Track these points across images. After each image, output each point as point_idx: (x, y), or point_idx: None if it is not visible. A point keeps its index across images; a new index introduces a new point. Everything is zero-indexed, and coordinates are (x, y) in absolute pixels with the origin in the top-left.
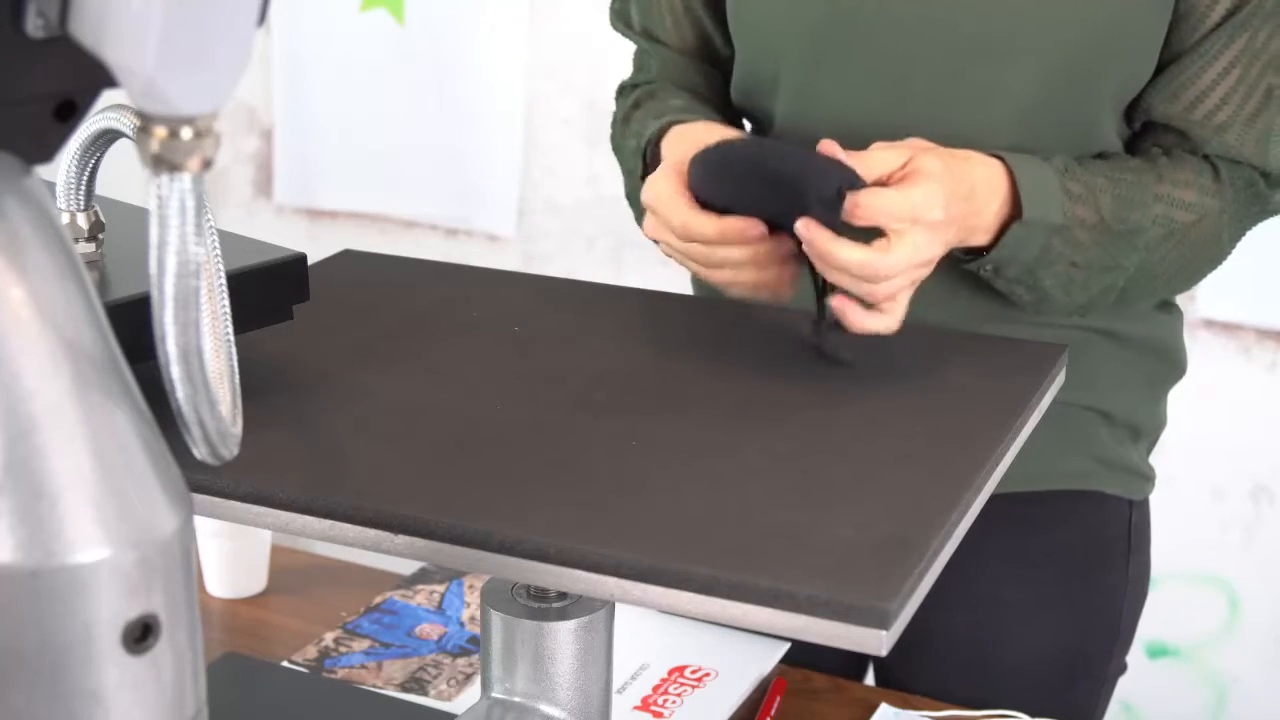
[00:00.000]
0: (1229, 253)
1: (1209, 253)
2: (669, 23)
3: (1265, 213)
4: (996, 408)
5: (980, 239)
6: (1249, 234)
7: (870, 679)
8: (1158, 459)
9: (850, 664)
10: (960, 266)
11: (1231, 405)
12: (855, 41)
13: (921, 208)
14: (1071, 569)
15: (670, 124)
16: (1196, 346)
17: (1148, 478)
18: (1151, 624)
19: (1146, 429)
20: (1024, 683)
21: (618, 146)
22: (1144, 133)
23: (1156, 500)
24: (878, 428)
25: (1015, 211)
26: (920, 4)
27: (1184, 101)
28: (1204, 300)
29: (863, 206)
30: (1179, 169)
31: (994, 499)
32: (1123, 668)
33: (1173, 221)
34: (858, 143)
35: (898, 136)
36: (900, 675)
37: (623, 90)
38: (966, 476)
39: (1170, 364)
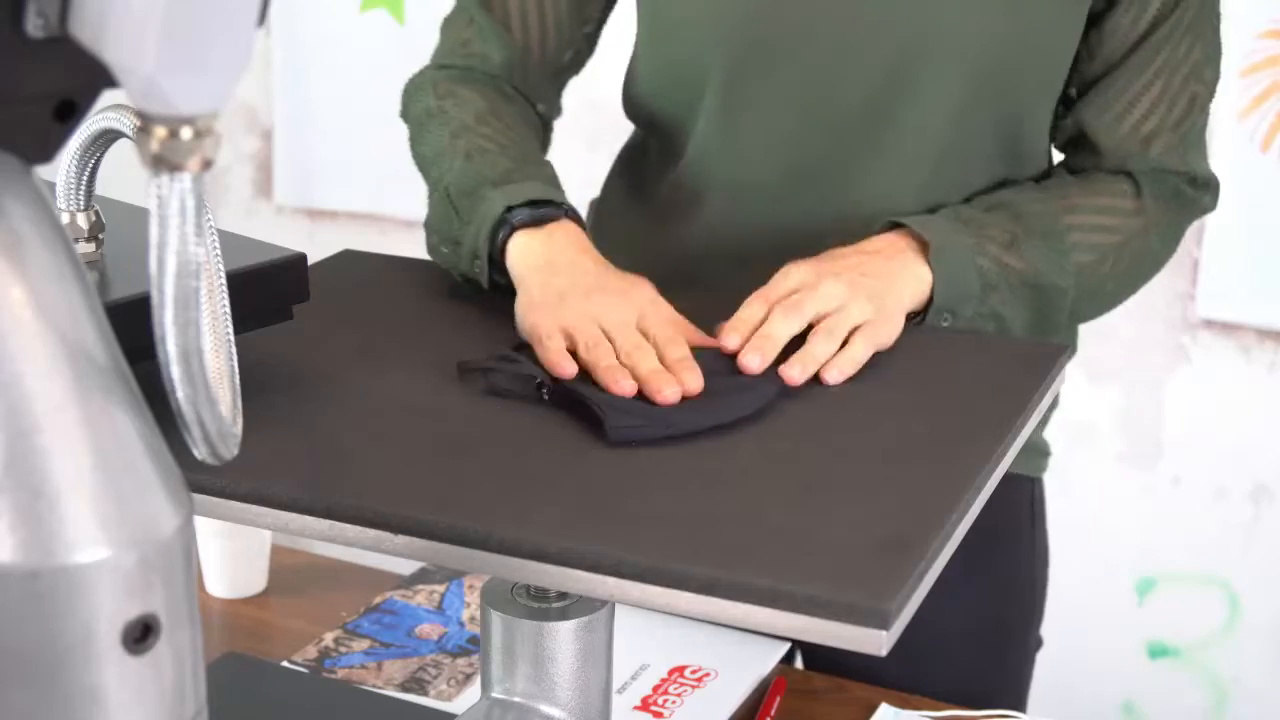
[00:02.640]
0: (1167, 258)
1: (1146, 263)
2: (513, 5)
3: (1195, 214)
4: (997, 407)
5: (924, 295)
6: (1249, 234)
7: (799, 662)
8: (1160, 459)
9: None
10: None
11: (1231, 405)
12: (788, 41)
13: (793, 278)
14: (984, 544)
15: (553, 215)
16: (1197, 346)
17: (1046, 454)
18: (1151, 624)
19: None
20: (957, 658)
21: (428, 151)
22: (1070, 151)
23: (1157, 500)
24: (877, 428)
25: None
26: (854, 3)
27: (1114, 112)
28: (1204, 300)
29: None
30: (1094, 194)
31: None
32: (1040, 642)
33: (1098, 247)
34: (790, 148)
35: (830, 136)
36: (836, 655)
37: (445, 70)
38: (966, 476)
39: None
